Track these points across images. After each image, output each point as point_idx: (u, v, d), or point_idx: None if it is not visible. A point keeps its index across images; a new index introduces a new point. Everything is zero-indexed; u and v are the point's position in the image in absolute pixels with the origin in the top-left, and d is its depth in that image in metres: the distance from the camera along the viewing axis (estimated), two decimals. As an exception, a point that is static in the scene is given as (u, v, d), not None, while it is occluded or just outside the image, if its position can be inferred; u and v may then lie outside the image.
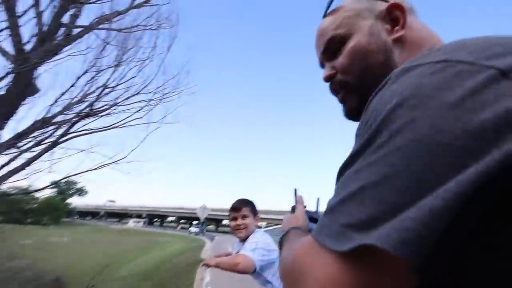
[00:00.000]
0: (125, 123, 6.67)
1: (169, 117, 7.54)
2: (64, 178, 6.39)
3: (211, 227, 65.68)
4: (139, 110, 6.79)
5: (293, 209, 0.73)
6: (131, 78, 6.68)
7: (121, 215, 71.88)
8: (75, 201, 50.52)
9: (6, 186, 5.75)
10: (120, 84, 6.55)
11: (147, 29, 6.70)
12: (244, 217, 1.63)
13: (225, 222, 60.98)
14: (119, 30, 6.14)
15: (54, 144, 5.65)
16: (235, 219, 1.64)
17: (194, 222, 60.35)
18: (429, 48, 0.42)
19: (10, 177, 5.20)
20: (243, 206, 1.66)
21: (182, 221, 66.39)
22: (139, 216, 65.91)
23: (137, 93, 6.76)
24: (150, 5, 6.78)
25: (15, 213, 30.19)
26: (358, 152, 0.30)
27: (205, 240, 26.79)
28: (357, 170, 0.29)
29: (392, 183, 0.25)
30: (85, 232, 33.94)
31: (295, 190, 0.83)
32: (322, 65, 0.53)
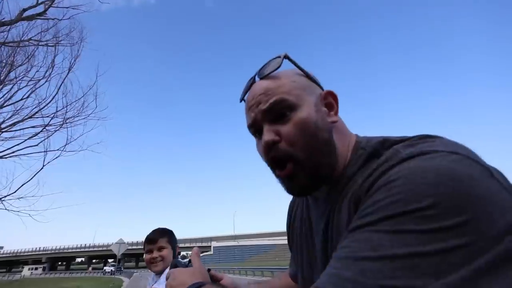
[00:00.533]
0: (13, 152, 5.60)
1: (73, 145, 6.59)
2: None
3: (131, 264, 61.03)
4: (32, 137, 5.78)
5: (175, 266, 0.62)
6: (21, 99, 5.76)
7: (12, 263, 59.43)
8: None
9: None
10: (5, 106, 5.61)
11: (41, 45, 5.89)
12: (160, 248, 1.48)
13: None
14: (3, 43, 5.34)
15: None
16: (150, 251, 1.48)
17: (110, 260, 55.04)
18: (346, 134, 0.50)
19: None
20: (158, 237, 1.51)
21: (94, 260, 59.48)
22: (37, 261, 56.12)
23: (30, 117, 5.80)
24: (45, 18, 6.02)
25: None
26: (400, 214, 0.32)
27: (122, 278, 25.98)
28: (401, 231, 0.31)
29: (447, 258, 0.29)
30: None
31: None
32: (256, 124, 0.49)
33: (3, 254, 59.45)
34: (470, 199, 0.31)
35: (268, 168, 0.50)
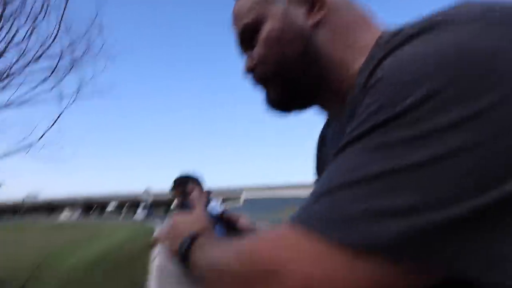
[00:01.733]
0: (27, 98, 5.42)
1: (88, 89, 6.38)
2: None
3: (160, 210, 63.89)
4: (44, 81, 5.48)
5: (183, 205, 0.64)
6: (23, 40, 5.21)
7: (50, 209, 63.89)
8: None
9: None
10: (9, 46, 5.11)
11: None
12: (175, 198, 1.60)
13: (174, 204, 59.88)
14: None
15: None
16: (178, 196, 1.58)
17: (140, 208, 57.62)
18: (360, 31, 0.39)
19: None
20: (172, 190, 1.60)
21: (125, 208, 62.55)
22: (72, 207, 59.66)
23: (36, 59, 5.38)
24: None
25: None
26: (385, 122, 0.25)
27: (154, 225, 26.06)
28: (386, 144, 0.24)
29: (446, 168, 0.21)
30: (4, 233, 29.49)
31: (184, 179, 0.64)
32: (242, 52, 0.49)
33: (42, 200, 63.70)
34: (489, 80, 0.22)
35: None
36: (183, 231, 0.47)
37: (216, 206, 1.45)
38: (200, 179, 1.61)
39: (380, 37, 0.35)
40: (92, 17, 6.10)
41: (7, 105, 5.27)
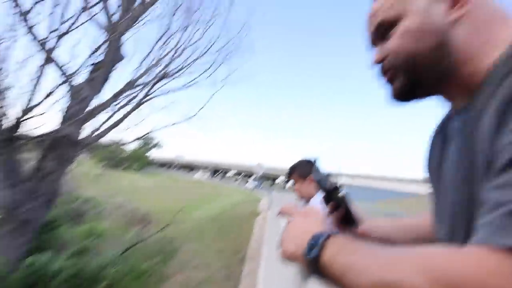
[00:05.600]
0: (193, 83, 7.16)
1: (232, 77, 7.74)
2: (146, 134, 7.22)
3: (267, 184, 69.19)
4: (206, 71, 7.09)
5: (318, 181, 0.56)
6: (197, 41, 6.87)
7: (190, 167, 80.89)
8: (153, 154, 58.60)
9: (106, 139, 6.74)
10: (188, 47, 6.83)
11: None
12: (295, 182, 1.59)
13: (279, 180, 63.23)
14: None
15: (139, 103, 6.44)
16: (296, 181, 1.62)
17: (251, 178, 64.33)
18: (498, 26, 0.39)
19: (109, 131, 6.23)
20: (290, 174, 1.62)
21: (240, 176, 71.35)
22: (204, 169, 73.13)
23: (203, 54, 7.01)
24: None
25: (112, 161, 37.46)
26: None
27: (261, 195, 28.33)
28: None
29: None
30: (162, 180, 39.51)
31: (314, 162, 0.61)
32: (373, 46, 0.51)
33: (184, 160, 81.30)
34: None
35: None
36: (305, 234, 0.42)
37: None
38: (300, 166, 1.58)
39: None
40: (243, 21, 7.60)
41: (180, 88, 7.19)
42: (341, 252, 0.37)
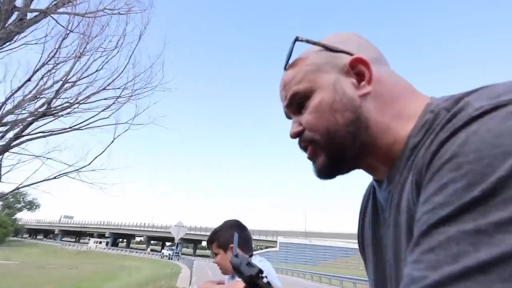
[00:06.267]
0: (88, 124, 6.15)
1: (140, 118, 7.06)
2: (14, 190, 5.92)
3: (188, 250, 63.35)
4: (105, 109, 6.27)
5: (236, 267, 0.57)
6: (95, 71, 6.14)
7: (80, 234, 67.41)
8: (24, 217, 46.90)
9: None
10: (83, 78, 6.02)
11: (114, 14, 6.17)
12: (215, 255, 1.48)
13: (204, 243, 58.90)
14: (83, 15, 5.63)
15: (5, 148, 5.22)
16: (216, 250, 1.49)
17: (168, 244, 57.77)
18: (405, 100, 0.44)
19: None
20: (209, 244, 1.51)
21: (152, 242, 63.34)
22: (101, 235, 62.20)
23: (103, 89, 6.25)
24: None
25: None
26: (469, 205, 0.26)
27: (181, 265, 25.50)
28: (479, 231, 0.25)
29: None
30: (37, 254, 31.23)
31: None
32: (288, 117, 0.54)
33: (73, 224, 67.90)
34: None
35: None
36: None
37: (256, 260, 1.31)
38: (222, 234, 1.47)
39: (428, 104, 0.40)
40: (156, 55, 7.19)
41: (67, 129, 5.97)
42: None
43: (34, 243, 46.74)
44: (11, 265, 21.71)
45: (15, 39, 4.89)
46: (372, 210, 0.55)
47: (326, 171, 0.49)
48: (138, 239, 67.71)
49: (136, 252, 47.10)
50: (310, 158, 0.50)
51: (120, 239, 66.18)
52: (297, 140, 0.51)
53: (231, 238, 1.39)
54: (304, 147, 0.51)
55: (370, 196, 0.57)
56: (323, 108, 0.45)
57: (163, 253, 40.58)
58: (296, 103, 0.49)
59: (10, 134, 5.26)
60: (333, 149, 0.46)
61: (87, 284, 15.65)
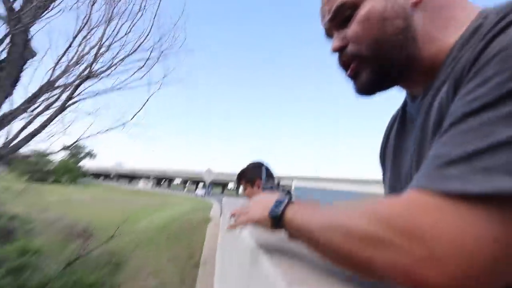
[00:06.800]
0: (125, 84, 6.51)
1: (169, 78, 7.40)
2: (75, 142, 6.65)
3: (217, 190, 68.65)
4: (138, 70, 6.49)
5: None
6: (125, 35, 6.28)
7: (131, 177, 75.24)
8: (86, 164, 53.05)
9: (26, 149, 6.04)
10: (114, 42, 6.21)
11: None
12: (244, 189, 1.60)
13: (230, 186, 63.61)
14: None
15: (63, 107, 5.80)
16: (245, 186, 1.64)
17: (200, 185, 63.02)
18: (455, 10, 0.40)
19: (28, 140, 5.65)
20: (238, 180, 1.63)
21: (188, 183, 69.29)
22: (147, 178, 68.86)
23: (133, 51, 6.41)
24: None
25: (38, 174, 32.84)
26: (509, 94, 0.25)
27: (212, 201, 28.27)
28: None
29: None
30: (100, 192, 36.16)
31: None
32: (329, 35, 0.49)
33: (124, 169, 75.31)
34: None
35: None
36: (268, 202, 0.49)
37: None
38: (248, 171, 1.60)
39: (481, 13, 0.37)
40: (178, 16, 7.11)
41: (108, 90, 6.48)
42: (300, 210, 0.44)
43: (97, 184, 53.26)
44: (83, 199, 25.93)
45: (51, 7, 5.02)
46: (400, 123, 0.52)
47: (369, 87, 0.46)
48: (176, 181, 74.01)
49: (175, 191, 52.39)
50: (351, 75, 0.47)
51: (162, 182, 72.73)
52: (336, 58, 0.48)
53: (257, 174, 1.50)
54: (345, 63, 0.47)
55: (399, 114, 0.54)
56: (373, 16, 0.41)
57: (196, 193, 44.53)
58: (341, 16, 0.45)
59: (64, 96, 5.77)
60: (379, 61, 0.43)
61: (142, 214, 18.86)
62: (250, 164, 1.63)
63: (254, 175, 1.56)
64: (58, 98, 5.80)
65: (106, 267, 6.77)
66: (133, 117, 6.62)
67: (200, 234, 11.28)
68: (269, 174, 1.56)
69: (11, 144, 5.50)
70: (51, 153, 6.55)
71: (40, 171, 34.52)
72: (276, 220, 0.46)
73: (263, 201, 0.51)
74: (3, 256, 6.25)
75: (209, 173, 27.50)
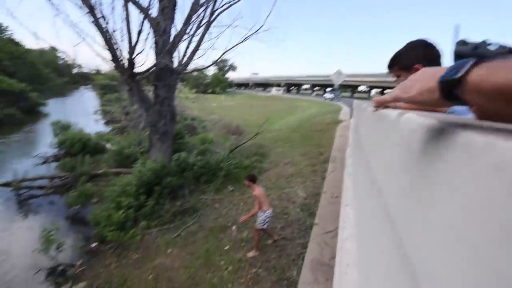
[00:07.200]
0: None
1: None
2: (221, 56, 7.49)
3: (346, 93, 64.82)
4: None
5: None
6: None
7: (264, 85, 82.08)
8: (230, 75, 61.29)
9: (192, 66, 7.30)
10: None
11: None
12: (396, 78, 1.18)
13: (361, 88, 58.14)
14: None
15: (209, 22, 6.55)
16: (397, 74, 1.21)
17: (328, 89, 61.10)
18: None
19: (191, 58, 6.90)
20: (390, 68, 1.21)
21: (316, 88, 68.66)
22: (278, 85, 73.04)
23: None
24: None
25: (201, 86, 42.08)
26: None
27: (341, 105, 27.38)
28: None
29: None
30: (243, 98, 42.15)
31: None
32: None
33: (259, 78, 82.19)
34: None
35: None
36: (437, 71, 0.36)
37: None
38: (405, 54, 1.16)
39: None
40: None
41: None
42: (495, 70, 0.30)
43: (240, 92, 61.61)
44: (232, 105, 31.02)
45: None
46: None
47: None
48: (304, 86, 74.66)
49: (304, 96, 53.63)
50: None
51: (292, 87, 75.23)
52: None
53: (416, 57, 1.11)
54: None
55: None
56: None
57: (325, 96, 43.30)
58: None
59: (208, 12, 6.49)
60: None
61: (277, 116, 20.95)
62: (407, 44, 1.19)
63: (412, 59, 1.12)
64: (203, 16, 6.43)
65: (255, 156, 8.35)
66: (265, 22, 7.09)
67: (329, 135, 11.55)
68: (435, 57, 1.12)
69: (183, 62, 6.89)
70: (206, 68, 7.63)
71: (201, 84, 43.46)
72: (452, 87, 0.33)
73: (428, 72, 0.38)
74: (193, 144, 8.90)
75: (339, 75, 25.65)
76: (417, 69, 1.09)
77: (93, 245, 4.50)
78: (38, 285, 3.73)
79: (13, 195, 6.46)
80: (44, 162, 8.65)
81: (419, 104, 0.39)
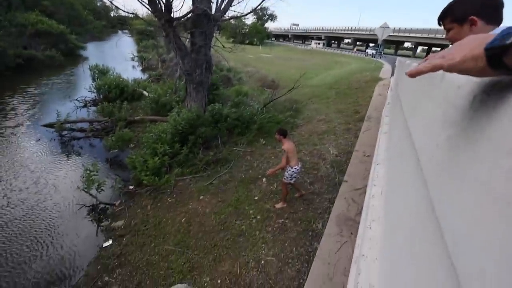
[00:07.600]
0: None
1: None
2: (262, 1, 6.86)
3: (390, 50, 57.26)
4: None
5: None
6: None
7: (304, 37, 75.16)
8: (270, 26, 56.67)
9: (229, 15, 6.85)
10: None
11: None
12: (447, 31, 1.02)
13: (406, 45, 50.54)
14: None
15: None
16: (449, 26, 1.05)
17: (371, 44, 54.21)
18: None
19: (230, 4, 6.44)
20: (441, 20, 1.04)
21: (358, 43, 61.27)
22: (319, 38, 66.41)
23: None
24: None
25: (238, 36, 39.77)
26: None
27: (383, 62, 24.61)
28: None
29: None
30: (281, 51, 39.59)
31: None
32: None
33: (299, 30, 75.12)
34: None
35: None
36: (484, 37, 0.33)
37: None
38: (459, 4, 1.01)
39: None
40: None
41: None
42: None
43: (278, 44, 57.59)
44: (269, 57, 29.33)
45: None
46: None
47: None
48: (346, 41, 67.12)
49: (345, 51, 48.58)
50: None
51: (333, 41, 68.27)
52: None
53: (471, 7, 0.98)
54: None
55: None
56: None
57: (367, 52, 38.81)
58: None
59: None
60: None
61: (314, 71, 19.50)
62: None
63: (466, 9, 0.97)
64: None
65: (288, 111, 7.91)
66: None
67: (367, 93, 10.54)
68: (495, 8, 0.94)
69: (221, 8, 6.30)
70: (244, 16, 7.01)
71: (239, 33, 41.04)
72: (501, 54, 0.30)
73: (474, 38, 0.35)
74: (229, 95, 8.64)
75: (383, 30, 22.34)
76: (473, 21, 0.96)
77: (131, 187, 4.64)
78: (82, 220, 4.07)
79: (56, 136, 6.54)
80: (84, 106, 8.76)
81: (462, 73, 0.35)
